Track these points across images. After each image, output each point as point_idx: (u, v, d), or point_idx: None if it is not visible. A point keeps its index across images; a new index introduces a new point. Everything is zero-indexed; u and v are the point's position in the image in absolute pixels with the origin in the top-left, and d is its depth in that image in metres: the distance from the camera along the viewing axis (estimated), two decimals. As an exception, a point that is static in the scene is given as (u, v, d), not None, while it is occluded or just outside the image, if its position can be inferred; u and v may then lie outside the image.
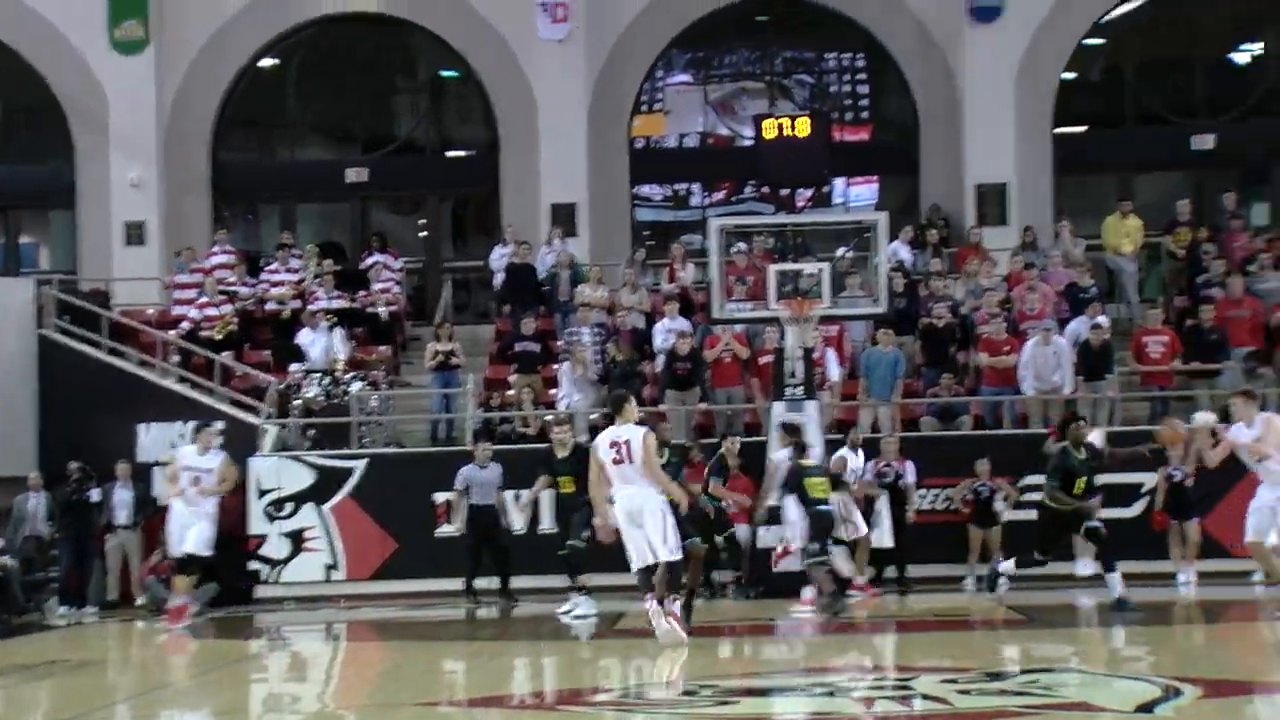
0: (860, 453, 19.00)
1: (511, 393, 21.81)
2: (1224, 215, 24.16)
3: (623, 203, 27.45)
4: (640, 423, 13.83)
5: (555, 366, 22.09)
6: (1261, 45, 27.64)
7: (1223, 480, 18.39)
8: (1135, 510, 19.29)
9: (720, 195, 28.62)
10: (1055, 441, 17.63)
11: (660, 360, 21.60)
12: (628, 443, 13.52)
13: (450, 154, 28.72)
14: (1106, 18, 26.85)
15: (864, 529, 18.29)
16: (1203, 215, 24.58)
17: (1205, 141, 26.66)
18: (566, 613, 16.71)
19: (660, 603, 13.44)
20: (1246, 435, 14.66)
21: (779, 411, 19.10)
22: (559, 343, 22.59)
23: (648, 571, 13.53)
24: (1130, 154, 27.06)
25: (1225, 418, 17.49)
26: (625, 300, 22.96)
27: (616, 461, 13.53)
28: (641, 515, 13.47)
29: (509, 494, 19.60)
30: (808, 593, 16.97)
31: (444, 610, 18.81)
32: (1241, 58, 27.79)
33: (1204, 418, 16.67)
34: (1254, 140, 26.67)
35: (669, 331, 21.73)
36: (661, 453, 14.49)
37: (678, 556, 13.58)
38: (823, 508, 16.66)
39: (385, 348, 23.50)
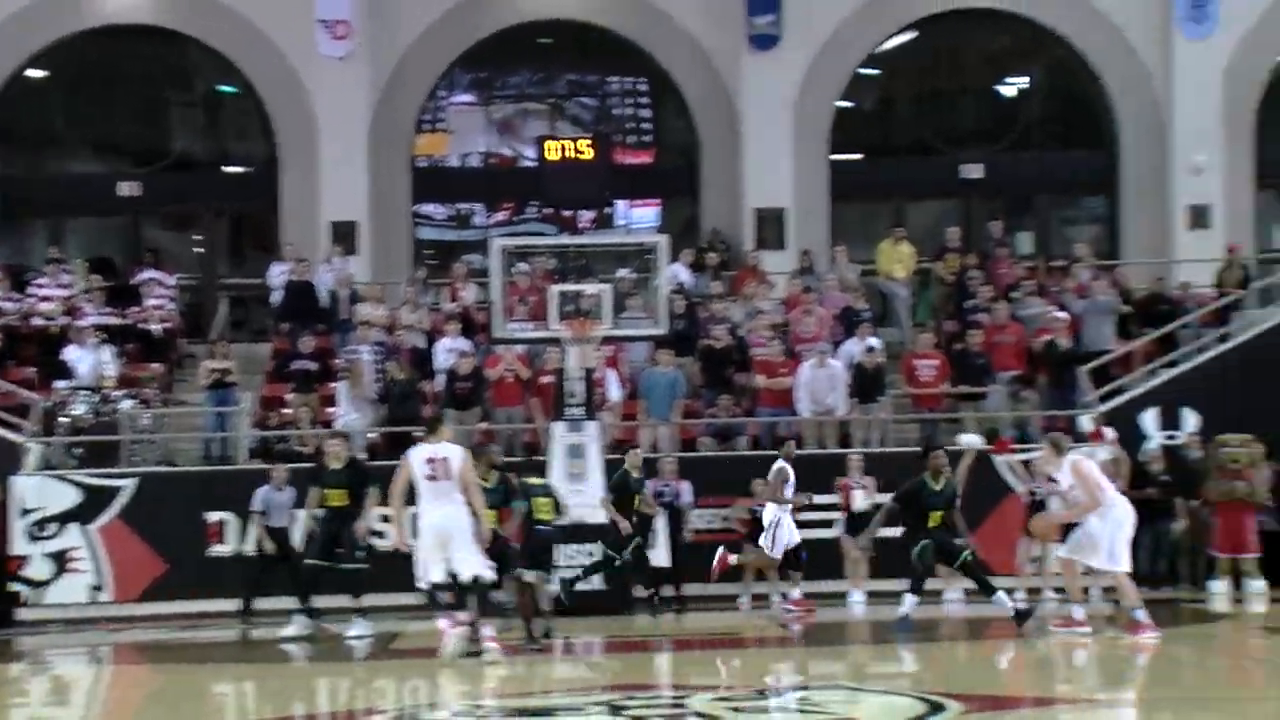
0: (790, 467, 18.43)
1: (289, 411, 21.51)
2: (990, 243, 24.90)
3: (404, 221, 27.25)
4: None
5: (333, 385, 21.83)
6: (1028, 79, 28.57)
7: (987, 501, 18.99)
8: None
9: (502, 215, 28.60)
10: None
11: (440, 379, 21.52)
12: (445, 460, 13.60)
13: (227, 169, 28.20)
14: (881, 48, 27.48)
15: (795, 540, 17.98)
16: (971, 242, 25.29)
17: (974, 171, 27.46)
18: (288, 639, 16.60)
19: (473, 625, 13.50)
20: (1064, 483, 14.77)
21: (560, 431, 19.16)
22: (337, 361, 22.34)
23: (438, 588, 13.55)
24: (903, 181, 27.72)
25: (990, 439, 18.06)
26: (405, 319, 22.79)
27: (431, 478, 13.55)
28: (449, 535, 13.48)
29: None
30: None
31: (216, 632, 18.45)
32: (1009, 90, 28.69)
33: (969, 439, 17.17)
34: (1019, 170, 27.58)
35: (450, 351, 21.65)
36: (489, 476, 14.50)
37: (489, 575, 13.61)
38: (543, 529, 15.57)
39: (159, 365, 22.98)
